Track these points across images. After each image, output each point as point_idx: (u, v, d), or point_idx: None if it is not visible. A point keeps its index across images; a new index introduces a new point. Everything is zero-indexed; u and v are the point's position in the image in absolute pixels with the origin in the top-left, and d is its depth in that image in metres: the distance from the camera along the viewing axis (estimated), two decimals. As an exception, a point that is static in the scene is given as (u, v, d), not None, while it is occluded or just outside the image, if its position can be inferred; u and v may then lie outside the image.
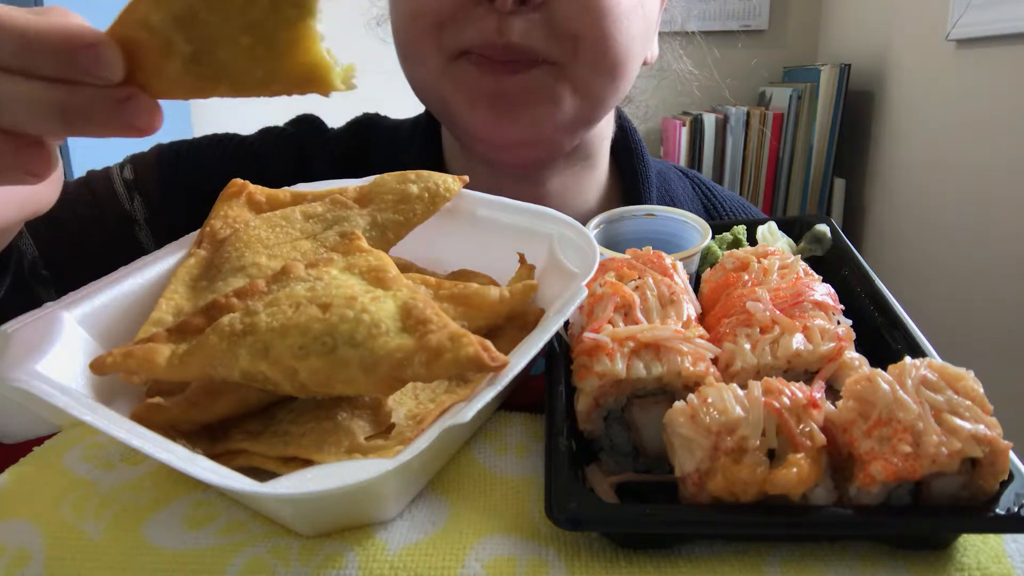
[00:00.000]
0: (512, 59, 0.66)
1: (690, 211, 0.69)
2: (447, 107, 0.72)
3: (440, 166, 0.85)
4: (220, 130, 0.89)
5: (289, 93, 0.39)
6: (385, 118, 0.93)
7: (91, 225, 0.75)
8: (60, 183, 0.52)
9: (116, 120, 0.36)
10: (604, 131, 0.86)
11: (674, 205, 0.86)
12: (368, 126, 0.90)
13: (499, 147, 0.73)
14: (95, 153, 1.08)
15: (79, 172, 0.82)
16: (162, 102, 0.40)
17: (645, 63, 0.81)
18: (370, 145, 0.88)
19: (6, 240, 0.54)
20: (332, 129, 0.90)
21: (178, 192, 0.79)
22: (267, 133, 0.89)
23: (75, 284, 0.49)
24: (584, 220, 0.61)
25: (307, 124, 0.90)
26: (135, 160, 0.81)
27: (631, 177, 0.87)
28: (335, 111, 0.91)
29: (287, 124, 0.90)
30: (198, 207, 0.61)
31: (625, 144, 0.89)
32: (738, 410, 0.37)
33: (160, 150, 0.83)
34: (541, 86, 0.68)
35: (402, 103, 0.89)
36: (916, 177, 2.17)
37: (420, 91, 0.75)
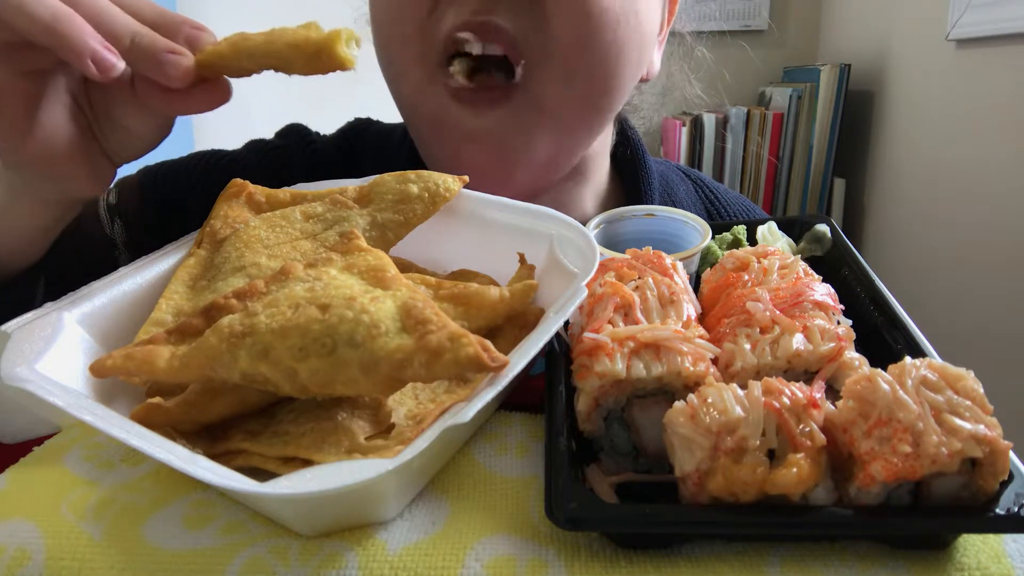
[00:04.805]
0: (488, 87, 0.65)
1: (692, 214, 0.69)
2: (422, 144, 0.72)
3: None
4: (222, 146, 0.88)
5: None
6: (377, 123, 0.91)
7: (74, 248, 0.75)
8: (101, 179, 0.57)
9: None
10: (599, 148, 0.84)
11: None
12: (357, 131, 0.89)
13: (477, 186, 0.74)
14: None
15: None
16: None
17: (644, 80, 0.79)
18: (359, 151, 0.87)
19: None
20: (321, 137, 0.89)
21: (158, 212, 0.79)
22: (252, 147, 0.88)
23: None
24: (583, 224, 0.61)
25: (293, 134, 0.88)
26: (120, 183, 0.81)
27: (633, 185, 0.87)
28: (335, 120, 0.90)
29: (274, 136, 0.89)
30: (179, 225, 0.61)
31: (626, 153, 0.89)
32: (738, 410, 0.37)
33: (144, 171, 0.83)
34: (516, 121, 0.67)
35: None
36: (916, 177, 2.17)
37: (401, 110, 0.75)
